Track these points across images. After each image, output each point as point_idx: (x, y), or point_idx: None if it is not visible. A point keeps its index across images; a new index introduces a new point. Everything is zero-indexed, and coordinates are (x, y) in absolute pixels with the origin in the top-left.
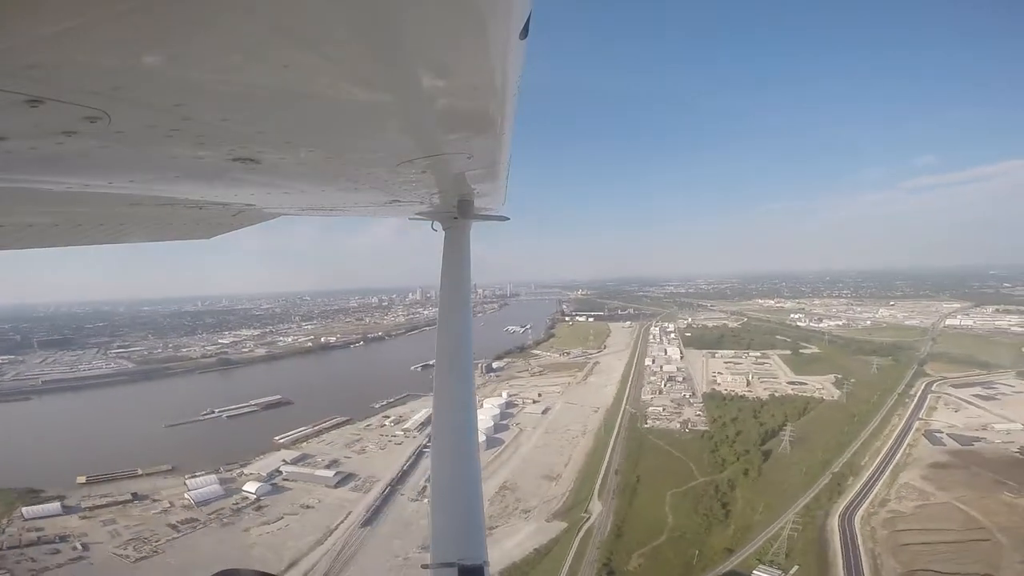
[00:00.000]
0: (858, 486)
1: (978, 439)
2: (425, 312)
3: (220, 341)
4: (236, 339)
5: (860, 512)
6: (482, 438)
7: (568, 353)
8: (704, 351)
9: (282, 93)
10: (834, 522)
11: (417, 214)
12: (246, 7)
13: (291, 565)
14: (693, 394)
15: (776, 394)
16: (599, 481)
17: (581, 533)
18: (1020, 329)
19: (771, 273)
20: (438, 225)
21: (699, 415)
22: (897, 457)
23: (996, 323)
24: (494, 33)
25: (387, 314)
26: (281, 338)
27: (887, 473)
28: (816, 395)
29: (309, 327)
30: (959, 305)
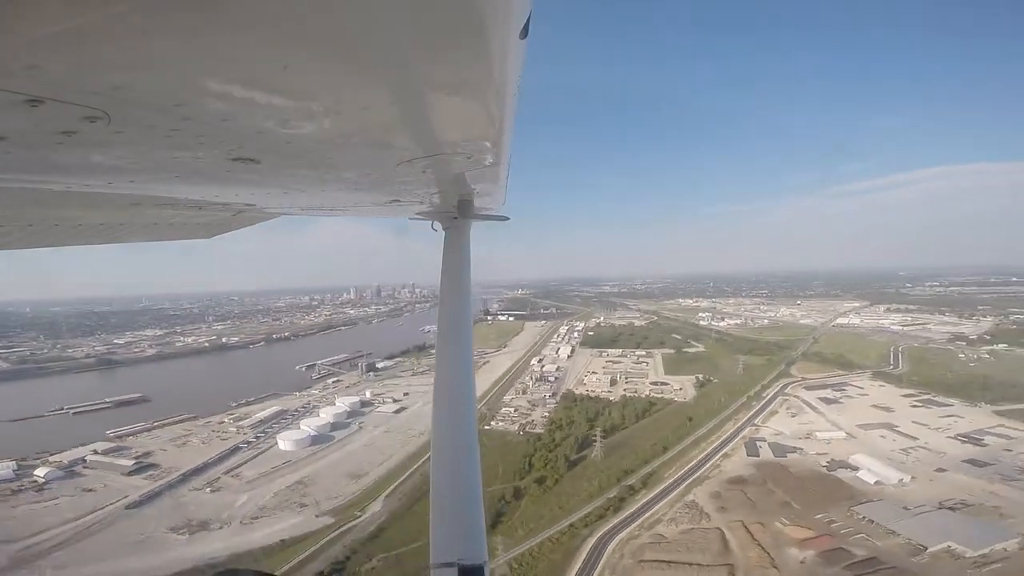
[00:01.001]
0: (642, 502)
1: (795, 449)
2: (351, 312)
3: (116, 342)
4: (133, 339)
5: (622, 535)
6: (309, 433)
7: None
8: (596, 350)
9: (282, 93)
10: (588, 546)
11: (417, 214)
12: (246, 7)
13: (34, 534)
14: (554, 395)
15: (633, 394)
16: (398, 482)
17: (339, 531)
18: (898, 328)
19: (707, 274)
20: (438, 225)
21: (545, 416)
22: (703, 469)
23: (879, 322)
24: (494, 33)
25: (310, 314)
26: (181, 339)
27: (680, 488)
28: (670, 396)
29: (219, 327)
30: (857, 304)
